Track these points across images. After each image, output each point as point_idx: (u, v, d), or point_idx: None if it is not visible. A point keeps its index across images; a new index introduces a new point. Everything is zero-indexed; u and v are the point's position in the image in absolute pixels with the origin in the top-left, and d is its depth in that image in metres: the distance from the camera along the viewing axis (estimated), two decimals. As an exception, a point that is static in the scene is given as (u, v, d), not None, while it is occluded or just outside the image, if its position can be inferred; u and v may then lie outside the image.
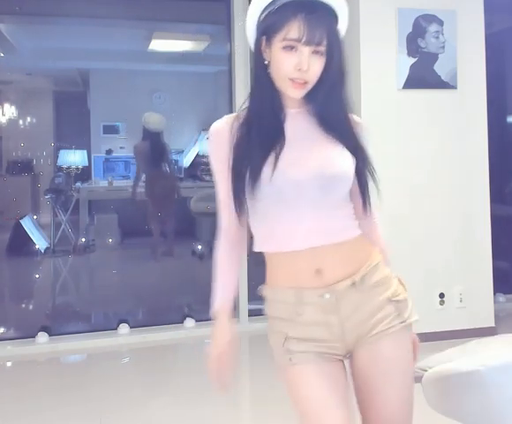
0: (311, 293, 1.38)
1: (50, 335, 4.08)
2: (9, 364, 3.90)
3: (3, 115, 10.30)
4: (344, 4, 1.43)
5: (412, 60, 3.87)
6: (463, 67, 3.95)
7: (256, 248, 1.45)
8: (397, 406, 1.42)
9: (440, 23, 3.90)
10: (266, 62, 1.37)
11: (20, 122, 10.55)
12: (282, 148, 1.35)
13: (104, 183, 8.11)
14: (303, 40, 1.30)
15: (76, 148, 8.72)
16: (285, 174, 1.34)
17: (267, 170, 1.34)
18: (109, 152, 9.01)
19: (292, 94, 1.36)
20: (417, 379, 1.83)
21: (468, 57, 3.96)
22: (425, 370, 1.79)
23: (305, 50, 1.31)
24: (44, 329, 4.11)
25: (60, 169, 8.68)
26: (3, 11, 5.15)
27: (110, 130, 9.27)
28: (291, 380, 1.40)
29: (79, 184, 8.24)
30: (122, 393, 3.31)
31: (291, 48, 1.31)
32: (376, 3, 3.84)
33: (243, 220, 1.44)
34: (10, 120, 10.35)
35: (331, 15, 1.38)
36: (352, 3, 3.89)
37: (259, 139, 1.36)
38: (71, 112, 10.52)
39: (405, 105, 3.90)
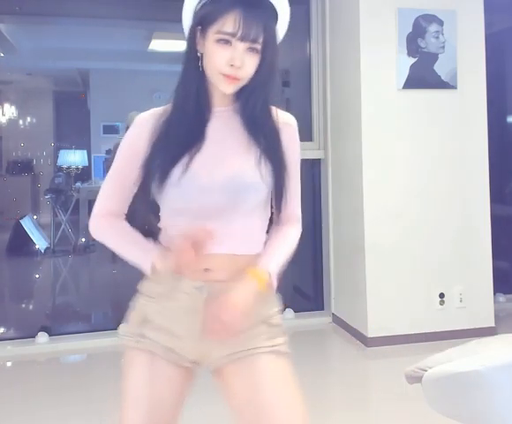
0: (189, 283, 1.33)
1: (50, 335, 4.08)
2: (9, 364, 3.90)
3: (3, 115, 10.30)
4: (286, 3, 1.35)
5: (412, 60, 3.87)
6: (463, 67, 3.95)
7: (160, 238, 1.40)
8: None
9: (440, 23, 3.90)
10: (199, 54, 1.31)
11: (20, 122, 10.56)
12: (198, 150, 1.31)
13: (104, 183, 8.10)
14: (238, 35, 1.24)
15: (76, 148, 8.72)
16: (194, 179, 1.29)
17: (176, 171, 1.29)
18: (109, 152, 9.00)
19: (223, 89, 1.30)
20: (417, 379, 1.83)
21: (468, 57, 3.96)
22: (425, 370, 1.79)
23: (240, 46, 1.25)
24: (44, 329, 4.11)
25: (60, 169, 8.68)
26: (3, 11, 5.14)
27: (110, 130, 9.27)
28: (130, 361, 1.38)
29: (78, 184, 8.24)
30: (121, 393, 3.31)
31: (226, 42, 1.26)
32: (376, 3, 3.84)
33: (121, 214, 1.43)
34: (10, 120, 10.35)
35: (270, 12, 1.31)
36: (352, 3, 3.91)
37: (177, 138, 1.31)
38: (71, 112, 10.53)
39: (405, 105, 3.90)
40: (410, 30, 3.86)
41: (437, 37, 3.90)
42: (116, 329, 4.31)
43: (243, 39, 1.25)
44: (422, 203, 3.92)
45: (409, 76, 3.87)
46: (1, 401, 3.22)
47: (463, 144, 3.98)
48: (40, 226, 8.04)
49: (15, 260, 7.07)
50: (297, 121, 1.45)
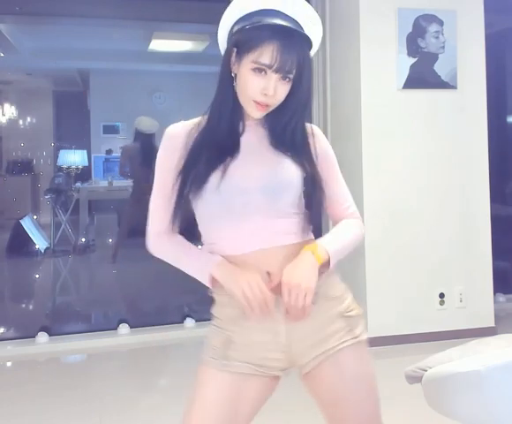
0: None
1: (50, 335, 4.08)
2: (9, 364, 3.90)
3: (3, 115, 10.30)
4: (319, 30, 1.41)
5: (412, 60, 3.87)
6: (463, 67, 3.95)
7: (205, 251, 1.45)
8: (365, 419, 1.46)
9: (440, 23, 3.90)
10: (233, 74, 1.35)
11: (20, 122, 10.56)
12: (233, 159, 1.36)
13: (104, 183, 8.11)
14: (274, 67, 1.29)
15: (76, 148, 8.72)
16: (231, 183, 1.34)
17: (214, 177, 1.34)
18: (109, 152, 9.02)
19: (253, 115, 1.36)
20: (417, 379, 1.83)
21: (468, 57, 3.96)
22: (425, 370, 1.79)
23: (274, 77, 1.30)
24: (44, 329, 4.11)
25: (60, 169, 8.69)
26: (3, 11, 5.14)
27: (110, 130, 9.28)
28: (208, 376, 1.38)
29: (79, 184, 8.24)
30: (122, 393, 3.31)
31: (260, 70, 1.30)
32: (376, 3, 3.84)
33: (174, 227, 1.45)
34: (10, 120, 10.36)
35: (305, 41, 1.35)
36: (352, 3, 3.91)
37: (213, 147, 1.36)
38: (71, 112, 10.53)
39: (405, 105, 3.90)
40: (410, 30, 3.86)
41: (437, 37, 3.90)
42: (116, 329, 4.33)
43: (278, 71, 1.30)
44: (422, 203, 3.92)
45: (409, 76, 3.87)
46: (1, 401, 3.22)
47: (463, 144, 3.98)
48: (40, 226, 8.05)
49: (15, 260, 7.07)
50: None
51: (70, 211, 7.82)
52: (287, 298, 1.31)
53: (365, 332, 1.47)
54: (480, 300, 3.99)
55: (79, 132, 9.74)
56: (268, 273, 1.36)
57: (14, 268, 6.94)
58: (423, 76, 3.89)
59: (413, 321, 3.90)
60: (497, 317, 4.04)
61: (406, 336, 3.84)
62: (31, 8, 5.05)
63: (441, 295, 3.93)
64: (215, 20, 1.44)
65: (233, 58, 1.35)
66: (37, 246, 7.34)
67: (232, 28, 1.36)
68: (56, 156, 9.45)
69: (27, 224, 7.46)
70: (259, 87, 1.31)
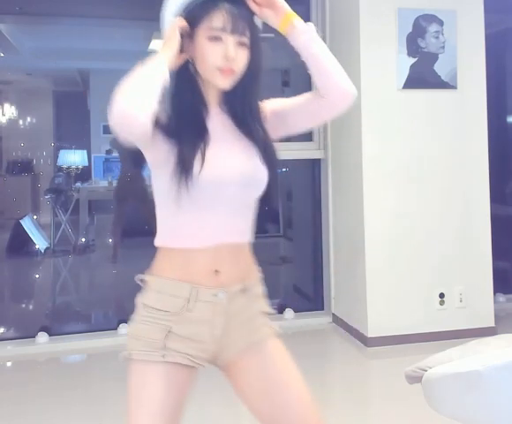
0: (206, 291, 1.37)
1: (50, 335, 4.08)
2: (9, 364, 3.90)
3: (3, 115, 10.30)
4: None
5: (412, 60, 3.87)
6: (463, 67, 3.95)
7: (158, 242, 1.41)
8: (304, 400, 1.46)
9: (440, 23, 3.90)
10: (188, 58, 1.36)
11: (20, 122, 10.55)
12: (206, 145, 1.35)
13: (104, 183, 8.10)
14: (228, 29, 1.31)
15: (76, 148, 8.71)
16: (212, 172, 1.33)
17: (195, 166, 1.32)
18: (109, 152, 9.00)
19: (221, 84, 1.36)
20: (417, 379, 1.83)
21: (468, 57, 3.96)
22: (425, 370, 1.79)
23: (231, 39, 1.32)
24: (44, 329, 4.11)
25: (60, 169, 8.68)
26: (3, 11, 5.14)
27: (110, 130, 9.25)
28: (149, 375, 1.35)
29: (79, 184, 8.23)
30: (122, 393, 3.31)
31: (216, 38, 1.32)
32: (376, 3, 3.85)
33: None
34: (10, 120, 10.35)
35: (250, 9, 1.38)
36: (352, 3, 3.91)
37: (186, 138, 1.34)
38: (71, 112, 10.52)
39: (405, 105, 3.90)
40: (410, 30, 3.86)
41: (437, 37, 3.90)
42: (116, 329, 4.34)
43: (233, 32, 1.32)
44: (422, 203, 3.92)
45: (409, 76, 3.87)
46: (1, 401, 3.22)
47: (463, 144, 3.98)
48: (40, 226, 8.04)
49: (15, 260, 7.07)
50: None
51: (70, 211, 7.81)
52: None
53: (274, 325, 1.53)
54: (480, 300, 3.99)
55: (79, 132, 9.73)
56: (217, 271, 1.38)
57: (14, 268, 6.94)
58: (423, 76, 3.90)
59: (413, 321, 3.90)
60: (497, 317, 4.05)
61: (406, 336, 3.84)
62: (31, 8, 5.05)
63: (441, 295, 3.93)
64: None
65: (185, 44, 1.34)
66: (37, 246, 7.34)
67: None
68: (56, 156, 9.44)
69: (27, 224, 7.45)
70: (220, 53, 1.32)
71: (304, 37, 1.41)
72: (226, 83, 1.35)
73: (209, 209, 1.36)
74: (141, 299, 1.41)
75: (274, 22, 1.41)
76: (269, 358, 1.45)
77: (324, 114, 1.48)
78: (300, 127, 1.51)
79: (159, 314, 1.37)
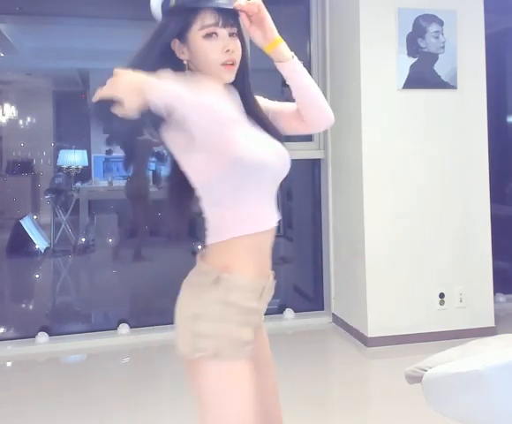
0: (267, 283, 1.42)
1: (50, 335, 4.08)
2: (9, 364, 3.90)
3: (3, 115, 10.29)
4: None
5: (412, 60, 3.87)
6: (463, 67, 3.95)
7: (221, 237, 1.37)
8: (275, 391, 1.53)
9: (440, 23, 3.90)
10: (184, 62, 1.38)
11: (20, 122, 10.55)
12: (241, 124, 1.36)
13: (104, 183, 8.10)
14: (220, 23, 1.35)
15: (76, 148, 8.71)
16: (260, 149, 1.35)
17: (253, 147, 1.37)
18: (109, 152, 9.01)
19: (227, 78, 1.38)
20: (417, 379, 1.83)
21: (468, 57, 3.96)
22: (425, 370, 1.79)
23: (224, 32, 1.36)
24: (44, 329, 4.11)
25: (60, 169, 8.67)
26: (3, 11, 5.14)
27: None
28: (238, 373, 1.32)
29: (79, 184, 8.23)
30: (122, 393, 3.31)
31: (211, 35, 1.35)
32: (376, 3, 3.84)
33: None
34: (10, 120, 10.35)
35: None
36: (352, 4, 3.91)
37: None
38: (71, 112, 10.52)
39: (405, 105, 3.90)
40: (410, 30, 3.86)
41: (437, 37, 3.90)
42: (116, 329, 4.33)
43: (224, 25, 1.36)
44: (422, 203, 3.92)
45: (409, 76, 3.87)
46: (1, 401, 3.22)
47: (463, 144, 3.98)
48: (40, 226, 8.04)
49: (15, 260, 7.07)
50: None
51: (70, 211, 7.81)
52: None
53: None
54: (480, 300, 3.99)
55: (79, 132, 9.73)
56: (267, 256, 1.42)
57: (14, 268, 6.94)
58: (423, 76, 3.90)
59: (413, 321, 3.90)
60: (497, 317, 4.05)
61: (406, 336, 3.84)
62: (31, 8, 5.06)
63: (441, 295, 3.93)
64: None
65: (177, 47, 1.38)
66: (37, 246, 7.34)
67: (164, 30, 1.37)
68: (56, 156, 9.43)
69: (27, 224, 7.45)
70: (219, 48, 1.35)
71: (289, 68, 1.46)
72: (231, 76, 1.39)
73: (261, 191, 1.37)
74: (220, 297, 1.34)
75: (261, 42, 1.44)
76: (264, 336, 1.50)
77: (301, 131, 1.55)
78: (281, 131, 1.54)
79: (244, 310, 1.35)
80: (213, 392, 1.32)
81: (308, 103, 1.48)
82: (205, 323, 1.32)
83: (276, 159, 1.39)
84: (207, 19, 1.35)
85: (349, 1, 4.01)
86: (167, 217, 1.52)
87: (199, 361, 1.32)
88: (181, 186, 1.41)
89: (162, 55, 1.36)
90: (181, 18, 1.36)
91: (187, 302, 1.37)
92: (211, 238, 1.39)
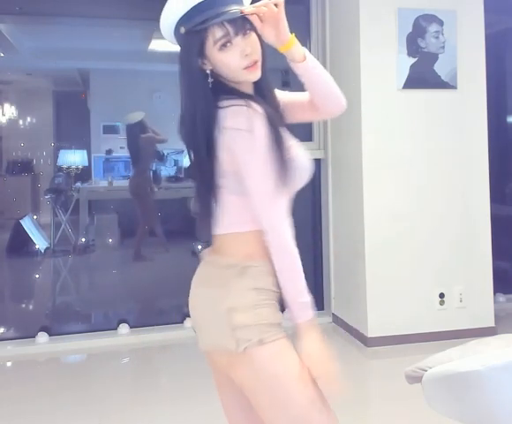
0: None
1: (50, 335, 4.08)
2: (9, 364, 3.90)
3: (3, 115, 10.29)
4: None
5: (412, 60, 3.87)
6: (463, 67, 3.95)
7: (245, 227, 1.40)
8: None
9: (440, 23, 3.90)
10: (208, 72, 1.39)
11: (20, 122, 10.54)
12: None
13: (104, 183, 8.10)
14: (231, 32, 1.35)
15: (76, 148, 8.71)
16: (306, 155, 1.45)
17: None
18: (109, 152, 9.01)
19: (253, 78, 1.40)
20: (417, 379, 1.83)
21: (468, 57, 3.96)
22: (425, 370, 1.79)
23: (238, 39, 1.36)
24: (44, 329, 4.12)
25: (60, 169, 8.67)
26: (3, 11, 5.14)
27: (110, 130, 9.26)
28: (288, 348, 1.39)
29: (79, 184, 8.23)
30: (122, 393, 3.31)
31: (225, 45, 1.36)
32: (376, 3, 3.85)
33: None
34: (10, 120, 10.34)
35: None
36: (352, 4, 3.91)
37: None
38: (71, 112, 10.52)
39: (405, 105, 3.90)
40: (410, 30, 3.86)
41: (437, 37, 3.90)
42: (116, 329, 4.33)
43: (237, 32, 1.36)
44: (422, 203, 3.92)
45: (409, 76, 3.87)
46: (1, 401, 3.22)
47: (463, 144, 3.98)
48: (40, 226, 8.04)
49: (15, 260, 7.06)
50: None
51: (70, 211, 7.80)
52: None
53: None
54: (480, 300, 3.99)
55: (79, 132, 9.73)
56: None
57: (14, 268, 6.94)
58: (423, 76, 3.90)
59: (413, 321, 3.90)
60: (497, 317, 4.05)
61: (406, 336, 3.84)
62: (31, 8, 5.05)
63: (441, 295, 3.93)
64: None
65: (200, 63, 1.38)
66: (37, 246, 7.33)
67: (179, 28, 1.38)
68: (56, 156, 9.43)
69: (27, 224, 7.45)
70: (237, 55, 1.36)
71: (303, 67, 1.49)
72: (257, 74, 1.40)
73: (295, 188, 1.49)
74: (250, 285, 1.36)
75: (275, 43, 1.44)
76: None
77: (313, 119, 1.62)
78: (289, 121, 1.55)
79: (273, 295, 1.38)
80: (274, 376, 1.35)
81: (323, 95, 1.52)
82: (242, 314, 1.33)
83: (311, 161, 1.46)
84: (217, 33, 1.35)
85: (349, 1, 4.00)
86: (196, 200, 1.53)
87: (247, 352, 1.33)
88: (212, 173, 1.40)
89: (199, 81, 1.38)
90: (194, 41, 1.37)
91: (216, 298, 1.37)
92: (228, 228, 1.42)
